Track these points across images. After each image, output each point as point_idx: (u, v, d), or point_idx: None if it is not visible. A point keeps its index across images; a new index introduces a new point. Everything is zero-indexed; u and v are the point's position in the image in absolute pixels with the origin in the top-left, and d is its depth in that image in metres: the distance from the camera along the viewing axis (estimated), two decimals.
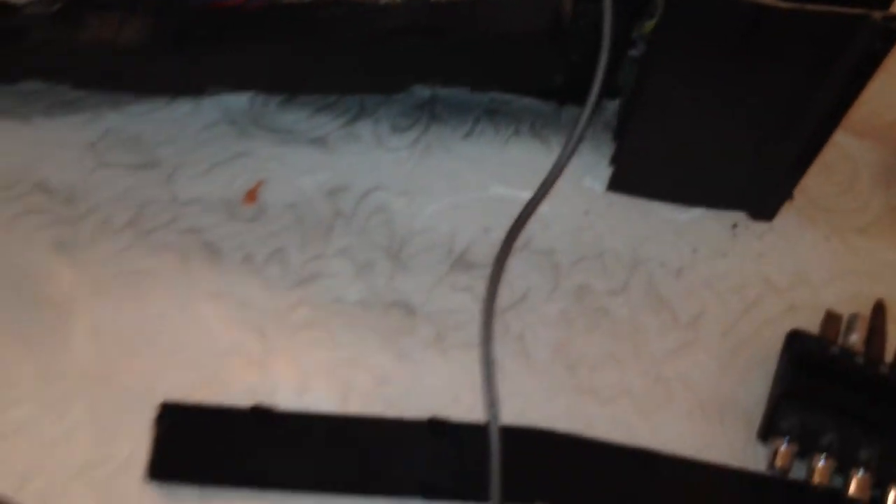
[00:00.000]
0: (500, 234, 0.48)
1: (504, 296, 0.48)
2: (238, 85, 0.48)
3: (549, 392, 0.46)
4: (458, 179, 0.51)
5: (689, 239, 0.50)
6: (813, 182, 0.51)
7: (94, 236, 0.49)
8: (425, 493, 0.43)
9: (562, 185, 0.41)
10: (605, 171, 0.51)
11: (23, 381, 0.46)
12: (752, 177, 0.47)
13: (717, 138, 0.44)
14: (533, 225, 0.48)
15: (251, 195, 0.50)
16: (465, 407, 0.45)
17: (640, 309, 0.48)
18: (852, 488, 0.41)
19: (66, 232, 0.49)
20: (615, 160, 0.49)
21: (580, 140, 0.40)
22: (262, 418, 0.44)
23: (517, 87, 0.50)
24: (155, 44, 0.42)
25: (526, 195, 0.47)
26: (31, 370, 0.46)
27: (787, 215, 0.51)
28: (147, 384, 0.46)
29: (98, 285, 0.48)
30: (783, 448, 0.42)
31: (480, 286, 0.48)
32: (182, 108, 0.52)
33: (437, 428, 0.44)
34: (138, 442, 0.44)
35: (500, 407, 0.38)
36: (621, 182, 0.49)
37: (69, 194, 0.50)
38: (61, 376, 0.46)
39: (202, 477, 0.44)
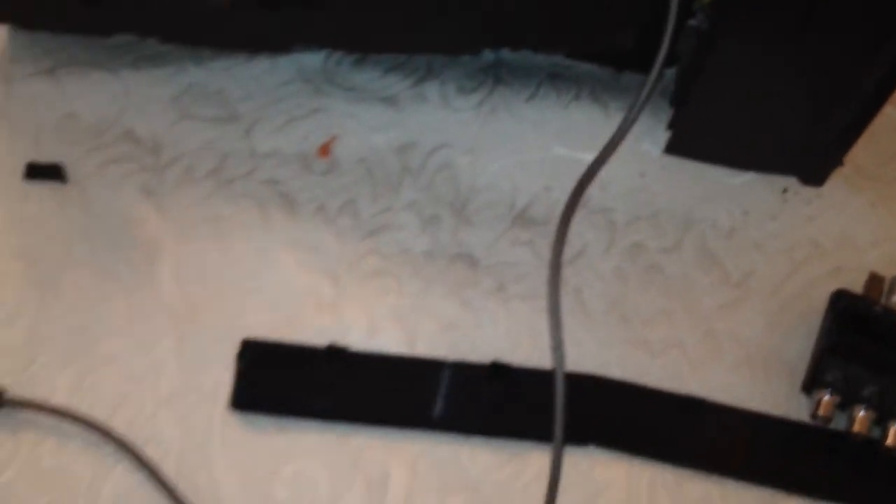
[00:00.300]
0: (560, 192, 0.51)
1: (564, 251, 0.51)
2: (319, 42, 0.51)
3: (603, 343, 0.49)
4: (521, 140, 0.54)
5: (740, 202, 0.53)
6: (861, 151, 0.53)
7: (179, 184, 0.52)
8: (487, 432, 0.46)
9: (620, 148, 0.44)
10: (661, 136, 0.53)
11: (114, 317, 0.49)
12: (805, 143, 0.49)
13: (774, 105, 0.47)
14: (591, 186, 0.51)
15: (325, 149, 0.53)
16: (523, 353, 0.48)
17: (692, 267, 0.51)
18: (890, 438, 0.44)
19: (153, 179, 0.52)
20: (673, 125, 0.51)
21: (644, 106, 0.42)
22: (336, 356, 0.48)
23: (584, 51, 0.52)
24: (243, 1, 0.45)
25: (585, 157, 0.50)
26: (121, 307, 0.49)
27: (835, 182, 0.53)
28: (229, 323, 0.49)
29: (182, 230, 0.51)
30: (826, 399, 0.45)
31: (540, 241, 0.51)
32: (260, 66, 0.55)
33: (498, 371, 0.47)
34: (221, 375, 0.48)
35: (565, 354, 0.41)
36: (678, 146, 0.51)
37: (155, 144, 0.53)
38: (149, 313, 0.49)
39: (279, 408, 0.47)
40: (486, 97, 0.54)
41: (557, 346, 0.40)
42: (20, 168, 0.52)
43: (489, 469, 0.46)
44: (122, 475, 0.46)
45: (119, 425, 0.47)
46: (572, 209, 0.45)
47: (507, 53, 0.55)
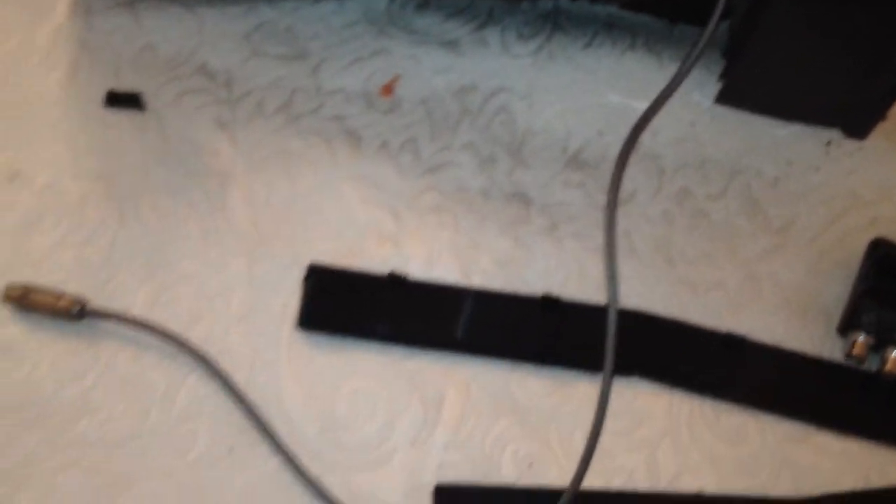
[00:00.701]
0: (612, 138, 0.53)
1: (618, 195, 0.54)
2: None
3: (650, 282, 0.52)
4: (576, 86, 0.56)
5: (785, 153, 0.55)
6: None
7: (250, 117, 0.55)
8: (539, 359, 0.49)
9: (671, 97, 0.46)
10: (711, 86, 0.55)
11: (188, 239, 0.53)
12: (851, 97, 0.51)
13: (824, 60, 0.49)
14: (642, 132, 0.53)
15: (388, 89, 0.56)
16: (572, 289, 0.51)
17: (737, 214, 0.53)
18: None
19: (225, 112, 0.55)
20: (725, 76, 0.53)
21: (697, 59, 0.45)
22: (396, 284, 0.51)
23: (640, 2, 0.54)
24: None
25: (638, 104, 0.52)
26: (195, 230, 0.53)
27: (877, 136, 0.55)
28: (295, 249, 0.52)
29: (253, 161, 0.54)
30: (860, 340, 0.47)
31: (592, 183, 0.53)
32: (328, 7, 0.57)
33: (549, 303, 0.50)
34: (288, 297, 0.51)
35: (619, 290, 0.44)
36: (729, 96, 0.54)
37: (227, 78, 0.56)
38: (221, 237, 0.52)
39: (342, 329, 0.50)
40: (543, 44, 0.56)
41: (612, 282, 0.43)
42: (101, 96, 0.55)
43: (537, 395, 0.49)
44: (196, 384, 0.49)
45: (194, 339, 0.50)
46: (627, 154, 0.47)
47: (564, 2, 0.57)
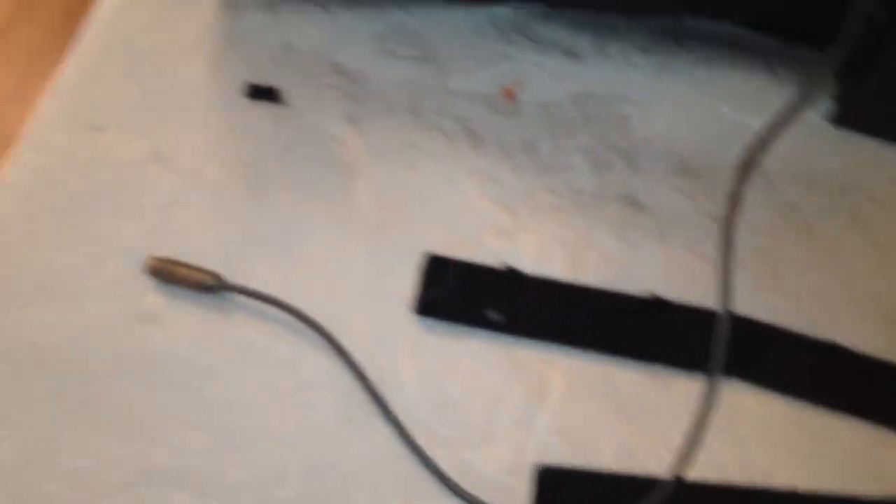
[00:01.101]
0: (722, 150, 0.56)
1: (720, 201, 0.56)
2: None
3: (752, 289, 0.53)
4: (692, 99, 0.58)
5: (893, 173, 0.56)
6: None
7: (378, 113, 0.59)
8: (642, 355, 0.52)
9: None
10: (824, 105, 0.57)
11: (315, 223, 0.56)
12: None
13: None
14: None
15: (510, 93, 0.59)
16: (676, 291, 0.53)
17: (843, 230, 0.55)
18: None
19: (355, 107, 0.59)
20: (842, 100, 0.55)
21: (818, 81, 0.46)
22: (511, 277, 0.54)
23: (760, 21, 0.56)
24: None
25: (751, 120, 0.54)
26: (320, 215, 0.56)
27: None
28: (414, 237, 0.55)
29: (378, 153, 0.58)
30: None
31: (700, 191, 0.55)
32: (457, 13, 0.61)
33: (657, 304, 0.52)
34: (406, 282, 0.54)
35: (733, 297, 0.46)
36: (845, 119, 0.55)
37: (359, 76, 0.60)
38: (345, 223, 0.56)
39: (456, 317, 0.53)
40: (664, 57, 0.59)
41: (725, 288, 0.45)
42: (242, 88, 0.59)
43: (638, 387, 0.51)
44: (317, 358, 0.52)
45: (317, 316, 0.53)
46: (746, 173, 0.49)
47: (687, 19, 0.59)
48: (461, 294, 0.53)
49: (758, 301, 0.53)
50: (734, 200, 0.46)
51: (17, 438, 0.50)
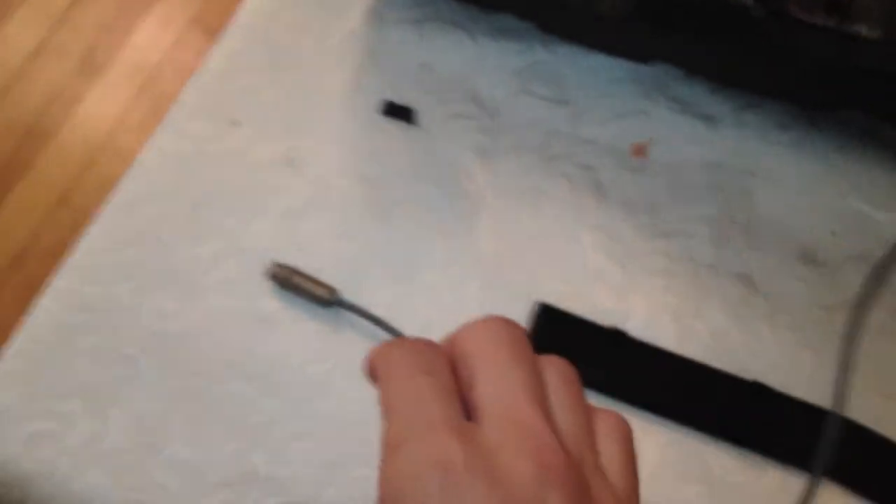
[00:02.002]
0: (845, 240, 0.56)
1: (837, 295, 0.56)
2: (682, 66, 0.57)
3: (858, 389, 0.54)
4: (822, 182, 0.58)
5: None
6: None
7: (508, 150, 0.59)
8: (739, 440, 0.53)
9: None
10: None
11: (433, 252, 0.57)
12: None
13: None
14: (872, 237, 0.55)
15: (640, 149, 0.59)
16: (780, 378, 0.54)
17: None
18: None
19: (487, 140, 0.60)
20: None
21: None
22: (618, 338, 0.55)
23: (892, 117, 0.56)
24: (630, 17, 0.51)
25: (878, 215, 0.54)
26: (440, 245, 0.57)
27: None
28: (527, 282, 0.56)
29: (503, 191, 0.58)
30: None
31: (817, 280, 0.56)
32: (598, 60, 0.61)
33: (760, 390, 0.53)
34: None
35: (847, 401, 0.46)
36: None
37: (494, 108, 0.60)
38: (462, 256, 0.57)
39: None
40: (800, 136, 0.59)
41: (841, 389, 0.46)
42: (378, 103, 0.60)
43: (731, 474, 0.52)
44: None
45: None
46: (881, 277, 0.49)
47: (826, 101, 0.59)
48: (568, 347, 0.54)
49: (863, 403, 0.53)
50: (864, 302, 0.47)
51: (130, 423, 0.52)
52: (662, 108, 0.59)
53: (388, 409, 0.30)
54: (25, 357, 0.54)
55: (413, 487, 0.27)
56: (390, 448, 0.29)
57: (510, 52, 0.61)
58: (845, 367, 0.47)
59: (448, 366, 0.31)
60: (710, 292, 0.56)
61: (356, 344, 0.55)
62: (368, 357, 0.32)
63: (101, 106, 1.72)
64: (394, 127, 0.59)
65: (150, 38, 1.76)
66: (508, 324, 0.33)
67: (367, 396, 0.53)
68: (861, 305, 0.48)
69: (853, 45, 0.46)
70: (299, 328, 0.55)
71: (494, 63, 0.61)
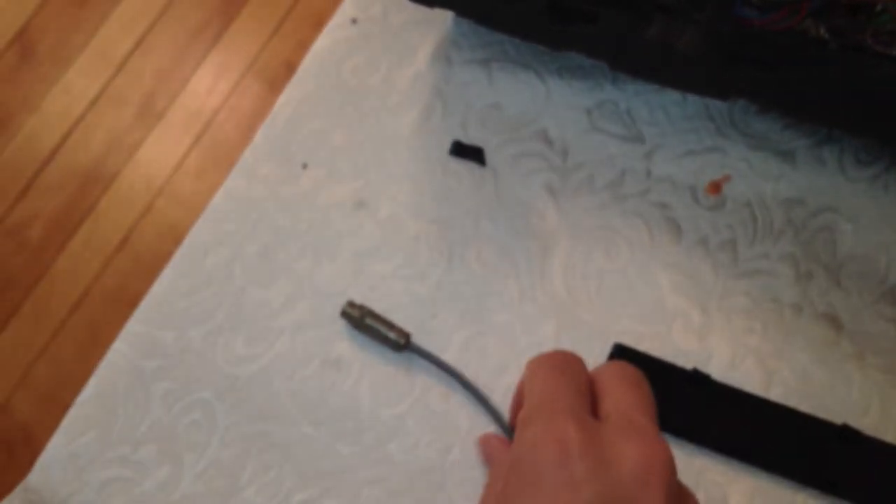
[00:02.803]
0: None
1: None
2: (758, 101, 0.55)
3: None
4: None
5: None
6: None
7: (579, 189, 0.58)
8: (828, 488, 0.50)
9: None
10: None
11: (506, 293, 0.56)
12: None
13: None
14: None
15: (716, 186, 0.58)
16: (871, 422, 0.52)
17: None
18: None
19: (557, 179, 0.59)
20: None
21: None
22: (699, 381, 0.53)
23: None
24: (705, 53, 0.50)
25: None
26: (513, 286, 0.56)
27: None
28: (603, 323, 0.55)
29: (576, 230, 0.57)
30: None
31: None
32: (671, 97, 0.60)
33: (849, 435, 0.51)
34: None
35: None
36: None
37: (564, 147, 0.59)
38: (536, 297, 0.56)
39: None
40: (880, 172, 0.57)
41: None
42: (447, 143, 0.59)
43: None
44: (493, 432, 0.52)
45: (498, 389, 0.54)
46: None
47: None
48: None
49: None
50: None
51: (204, 469, 0.51)
52: (738, 143, 0.58)
53: (528, 394, 0.38)
54: (99, 402, 0.54)
55: (533, 455, 0.33)
56: (522, 423, 0.36)
57: (579, 91, 0.60)
58: None
59: (586, 375, 0.39)
60: (794, 333, 0.54)
61: (430, 389, 0.54)
62: (526, 366, 0.41)
63: (159, 152, 1.75)
64: (463, 167, 0.59)
65: (207, 86, 1.79)
66: (634, 368, 0.41)
67: (439, 442, 0.52)
68: None
69: None
70: (371, 372, 0.54)
71: (563, 101, 0.60)
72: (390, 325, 0.54)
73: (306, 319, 0.56)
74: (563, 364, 0.39)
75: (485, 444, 0.52)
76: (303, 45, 1.78)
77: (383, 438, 0.53)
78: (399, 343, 0.54)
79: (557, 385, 0.37)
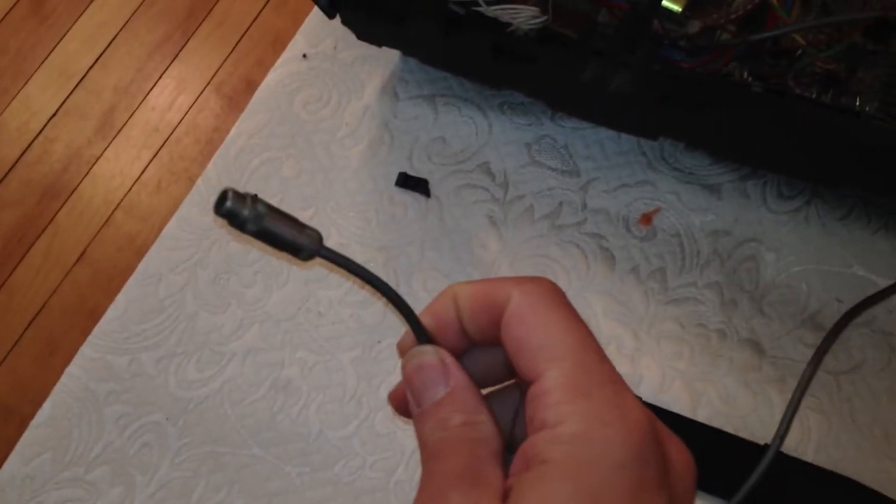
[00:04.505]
0: (849, 306, 0.57)
1: (843, 361, 0.57)
2: (687, 140, 0.59)
3: (862, 451, 0.55)
4: (825, 252, 0.60)
5: None
6: None
7: (519, 220, 0.61)
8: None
9: None
10: None
11: None
12: None
13: None
14: (880, 308, 0.57)
15: (647, 218, 0.61)
16: (791, 443, 0.55)
17: None
18: None
19: (498, 210, 0.62)
20: None
21: None
22: None
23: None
24: (636, 94, 0.53)
25: (881, 281, 0.56)
26: None
27: None
28: None
29: (516, 259, 0.60)
30: None
31: (823, 346, 0.57)
32: (605, 133, 0.63)
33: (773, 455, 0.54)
34: None
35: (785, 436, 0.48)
36: None
37: (504, 180, 0.62)
38: None
39: None
40: (801, 206, 0.61)
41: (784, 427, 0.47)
42: (394, 175, 0.62)
43: None
44: None
45: None
46: (848, 319, 0.51)
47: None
48: None
49: (868, 465, 0.54)
50: (822, 350, 0.48)
51: (155, 490, 0.53)
52: (668, 177, 0.62)
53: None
54: (54, 424, 0.56)
55: None
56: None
57: (519, 126, 0.63)
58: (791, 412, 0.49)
59: None
60: (719, 357, 0.57)
61: (375, 411, 0.56)
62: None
63: (118, 166, 1.76)
64: (409, 198, 0.62)
65: (166, 101, 1.80)
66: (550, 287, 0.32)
67: (384, 463, 0.54)
68: (818, 354, 0.50)
69: (852, 120, 0.49)
70: (319, 395, 0.56)
71: (504, 136, 0.63)
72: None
73: (257, 344, 0.58)
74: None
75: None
76: (261, 63, 1.80)
77: (330, 460, 0.55)
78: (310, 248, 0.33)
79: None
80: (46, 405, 0.56)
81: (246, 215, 0.27)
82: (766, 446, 0.54)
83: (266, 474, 0.55)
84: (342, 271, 0.33)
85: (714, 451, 0.55)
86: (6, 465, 0.56)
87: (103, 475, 0.55)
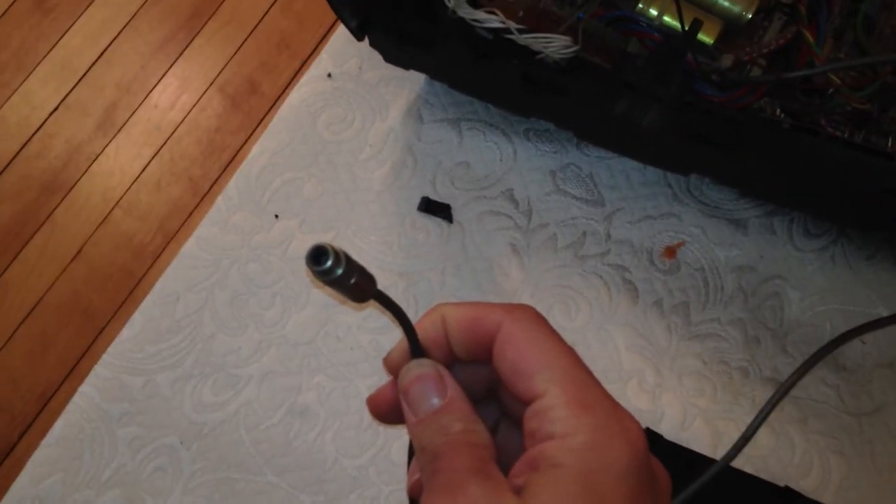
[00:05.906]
0: (873, 348, 0.57)
1: (865, 402, 0.57)
2: (715, 177, 0.58)
3: (882, 493, 0.55)
4: (850, 292, 0.59)
5: None
6: None
7: (541, 248, 0.61)
8: None
9: None
10: None
11: None
12: None
13: None
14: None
15: (671, 251, 0.60)
16: (811, 483, 0.55)
17: None
18: None
19: (521, 238, 0.61)
20: None
21: None
22: (649, 438, 0.55)
23: None
24: (667, 130, 0.53)
25: None
26: None
27: None
28: None
29: (537, 288, 0.60)
30: None
31: (845, 387, 0.57)
32: (630, 163, 0.63)
33: (790, 496, 0.54)
34: None
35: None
36: None
37: (528, 208, 0.62)
38: None
39: None
40: (828, 244, 0.60)
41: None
42: (417, 199, 0.62)
43: None
44: None
45: None
46: (826, 351, 0.51)
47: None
48: None
49: None
50: (798, 373, 0.48)
51: None
52: (693, 211, 0.61)
53: None
54: (65, 445, 0.55)
55: None
56: None
57: (544, 153, 0.63)
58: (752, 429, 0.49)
59: None
60: (741, 395, 0.57)
61: (392, 440, 0.55)
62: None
63: (118, 163, 1.74)
64: (431, 223, 0.61)
65: (169, 99, 1.79)
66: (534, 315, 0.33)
67: (401, 495, 0.53)
68: (792, 378, 0.50)
69: (884, 163, 0.48)
70: (336, 422, 0.56)
71: (529, 163, 0.62)
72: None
73: (274, 368, 0.57)
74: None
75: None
76: (265, 65, 1.79)
77: (346, 489, 0.54)
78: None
79: None
80: (58, 424, 0.55)
81: (339, 274, 0.28)
82: (787, 488, 0.53)
83: (280, 501, 0.54)
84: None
85: (734, 492, 0.54)
86: (14, 485, 0.55)
87: (115, 499, 0.54)
